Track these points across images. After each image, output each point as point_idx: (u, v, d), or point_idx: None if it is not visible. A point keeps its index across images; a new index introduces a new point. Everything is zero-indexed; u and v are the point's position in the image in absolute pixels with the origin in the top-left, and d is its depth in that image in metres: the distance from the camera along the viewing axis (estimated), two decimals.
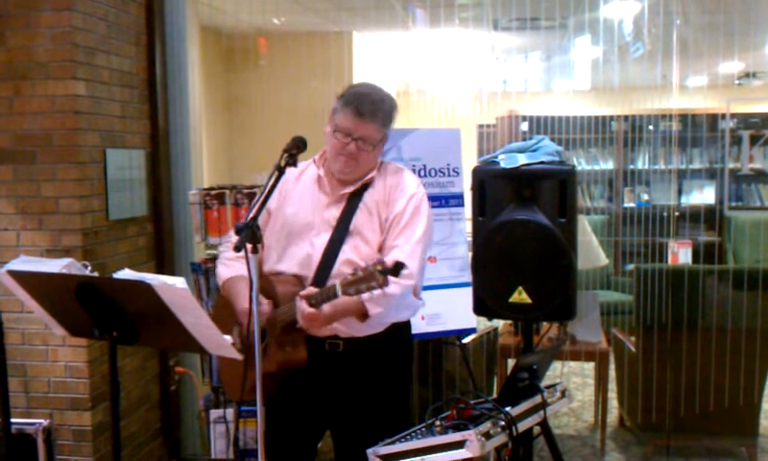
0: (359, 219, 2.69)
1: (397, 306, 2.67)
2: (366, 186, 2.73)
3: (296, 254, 2.71)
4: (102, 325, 2.42)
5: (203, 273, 3.95)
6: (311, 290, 2.53)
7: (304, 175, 2.81)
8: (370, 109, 2.63)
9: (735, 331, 4.30)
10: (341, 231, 2.68)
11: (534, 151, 3.17)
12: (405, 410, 2.88)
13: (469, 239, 3.54)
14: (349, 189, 2.72)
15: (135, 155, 4.10)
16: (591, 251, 4.65)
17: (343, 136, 2.65)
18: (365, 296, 2.46)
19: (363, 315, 2.60)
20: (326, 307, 2.50)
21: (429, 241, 2.77)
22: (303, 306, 2.50)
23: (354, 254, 2.66)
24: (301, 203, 2.76)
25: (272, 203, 2.74)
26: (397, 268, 2.35)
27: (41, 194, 3.66)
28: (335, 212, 2.71)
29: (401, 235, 2.67)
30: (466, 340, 4.36)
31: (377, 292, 2.39)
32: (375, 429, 2.60)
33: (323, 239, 2.69)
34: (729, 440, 4.55)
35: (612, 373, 4.91)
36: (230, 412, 3.90)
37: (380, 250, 2.68)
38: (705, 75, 7.44)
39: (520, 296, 3.06)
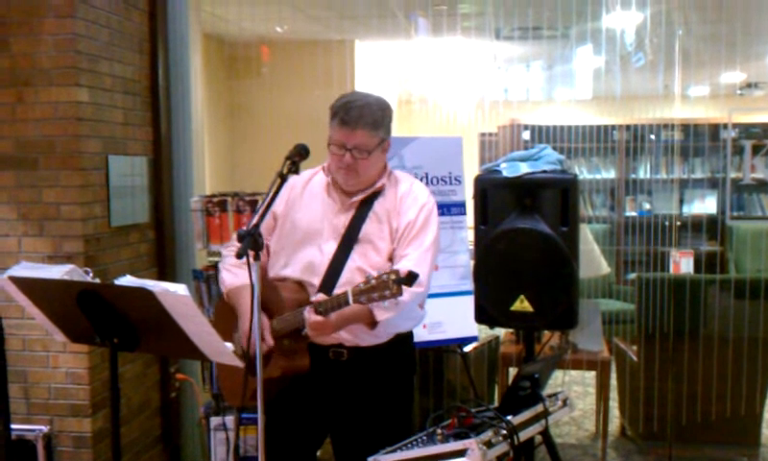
0: (369, 227, 2.68)
1: (405, 315, 2.67)
2: (376, 194, 2.73)
3: (303, 260, 2.70)
4: (103, 331, 2.41)
5: (204, 280, 3.95)
6: (321, 297, 2.52)
7: (313, 181, 2.80)
8: (355, 115, 2.60)
9: (737, 341, 4.30)
10: (350, 239, 2.67)
11: (536, 160, 3.18)
12: (407, 419, 2.87)
13: (471, 247, 3.53)
14: (359, 197, 2.71)
15: (138, 162, 4.11)
16: (593, 260, 4.64)
17: (337, 149, 2.64)
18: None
19: (371, 322, 2.60)
20: (334, 316, 2.49)
21: (437, 251, 2.76)
22: (312, 316, 2.49)
23: (364, 261, 2.65)
24: (310, 209, 2.75)
25: (278, 208, 2.74)
26: (411, 278, 2.34)
27: (43, 200, 3.67)
28: (344, 220, 2.70)
29: (412, 244, 2.66)
30: (467, 348, 4.36)
31: (389, 301, 2.39)
32: (377, 438, 2.59)
33: (331, 246, 2.68)
34: (730, 449, 4.54)
35: (614, 382, 4.90)
36: (231, 419, 3.90)
37: (391, 259, 2.68)
38: (707, 85, 7.46)
39: (522, 304, 3.05)
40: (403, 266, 2.49)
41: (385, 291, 2.34)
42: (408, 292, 2.51)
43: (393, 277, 2.33)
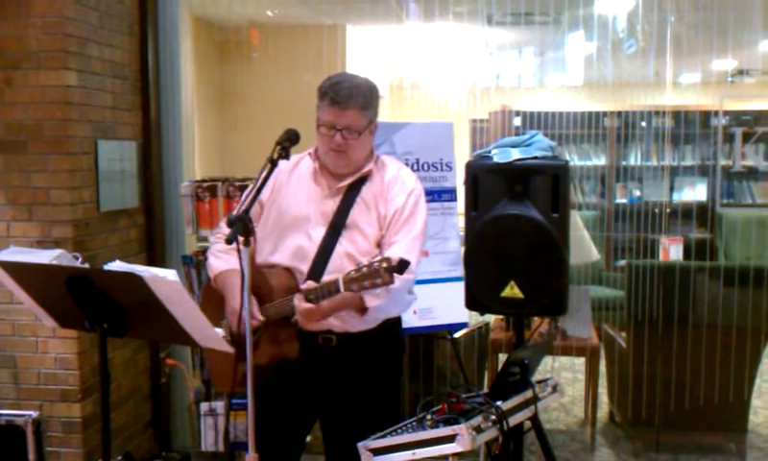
0: (356, 213, 2.68)
1: (395, 301, 2.67)
2: (363, 180, 2.72)
3: (291, 246, 2.69)
4: (92, 316, 2.41)
5: (194, 265, 3.94)
6: (311, 284, 2.51)
7: (299, 167, 2.79)
8: (345, 95, 2.59)
9: (726, 328, 4.32)
10: (338, 225, 2.67)
11: (527, 146, 3.17)
12: (396, 404, 2.88)
13: (462, 234, 3.53)
14: (346, 182, 2.71)
15: (127, 146, 4.09)
16: (583, 246, 4.65)
17: (327, 130, 2.63)
18: None
19: (361, 308, 2.59)
20: (325, 302, 2.49)
21: (426, 237, 2.76)
22: (302, 303, 2.48)
23: (353, 247, 2.65)
24: (297, 195, 2.74)
25: (264, 195, 2.72)
26: (402, 266, 2.34)
27: (32, 185, 3.64)
28: (332, 205, 2.70)
29: (401, 231, 2.66)
30: (457, 334, 4.36)
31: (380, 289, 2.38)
32: (366, 423, 2.60)
33: (319, 232, 2.67)
34: (718, 436, 4.57)
35: (603, 368, 4.92)
36: (220, 405, 3.90)
37: (378, 245, 2.67)
38: (698, 72, 7.46)
39: (512, 290, 3.05)
40: (393, 253, 2.49)
41: (376, 279, 2.34)
42: (398, 279, 2.51)
43: (384, 265, 2.33)
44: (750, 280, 4.32)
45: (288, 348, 2.66)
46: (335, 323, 2.66)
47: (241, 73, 6.36)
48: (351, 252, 2.64)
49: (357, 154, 2.68)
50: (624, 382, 4.62)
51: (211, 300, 2.85)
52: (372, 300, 2.56)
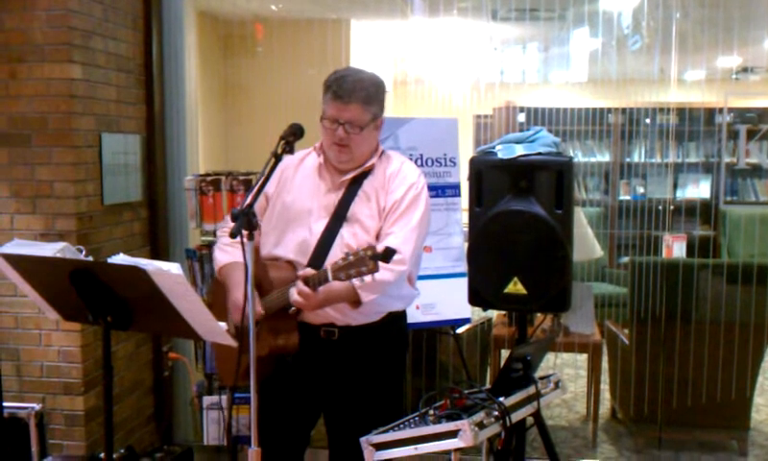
0: (357, 206, 2.68)
1: (391, 294, 2.67)
2: (366, 174, 2.72)
3: (293, 240, 2.70)
4: (96, 310, 2.41)
5: (197, 259, 3.95)
6: (309, 271, 2.51)
7: (305, 162, 2.80)
8: (348, 89, 2.60)
9: (728, 325, 4.31)
10: (338, 217, 2.67)
11: (531, 142, 3.16)
12: (399, 399, 2.88)
13: (465, 229, 3.53)
14: (349, 176, 2.71)
15: (131, 139, 4.09)
16: (587, 243, 4.64)
17: (330, 123, 2.64)
18: (357, 282, 2.45)
19: (355, 301, 2.60)
20: (321, 291, 2.49)
21: (425, 230, 2.76)
22: (300, 285, 2.48)
23: (353, 240, 2.65)
24: (301, 189, 2.75)
25: (270, 188, 2.74)
26: (388, 254, 2.34)
27: (36, 177, 3.65)
28: (334, 199, 2.71)
29: (397, 222, 2.67)
30: (460, 330, 4.36)
31: (368, 278, 2.38)
32: (369, 417, 2.60)
33: (320, 225, 2.68)
34: (720, 433, 4.57)
35: (605, 364, 4.92)
36: (224, 399, 3.90)
37: (377, 237, 2.68)
38: (702, 69, 7.44)
39: (515, 287, 3.05)
40: (388, 244, 2.50)
41: (362, 267, 2.34)
42: (391, 271, 2.52)
43: (369, 253, 2.33)
44: (753, 278, 4.32)
45: (287, 340, 2.66)
46: (336, 316, 2.66)
47: (245, 67, 6.35)
48: (351, 244, 2.64)
49: (360, 148, 2.68)
50: (626, 379, 4.62)
51: (218, 294, 2.86)
52: (366, 294, 2.56)
